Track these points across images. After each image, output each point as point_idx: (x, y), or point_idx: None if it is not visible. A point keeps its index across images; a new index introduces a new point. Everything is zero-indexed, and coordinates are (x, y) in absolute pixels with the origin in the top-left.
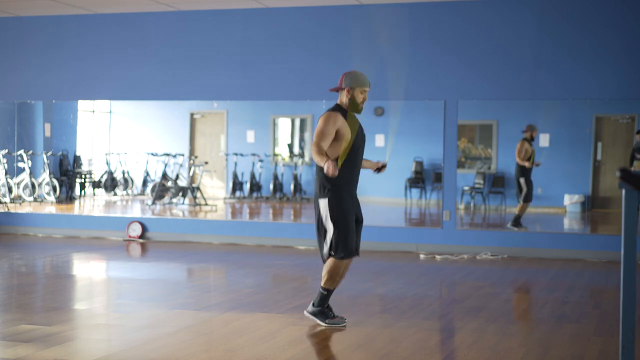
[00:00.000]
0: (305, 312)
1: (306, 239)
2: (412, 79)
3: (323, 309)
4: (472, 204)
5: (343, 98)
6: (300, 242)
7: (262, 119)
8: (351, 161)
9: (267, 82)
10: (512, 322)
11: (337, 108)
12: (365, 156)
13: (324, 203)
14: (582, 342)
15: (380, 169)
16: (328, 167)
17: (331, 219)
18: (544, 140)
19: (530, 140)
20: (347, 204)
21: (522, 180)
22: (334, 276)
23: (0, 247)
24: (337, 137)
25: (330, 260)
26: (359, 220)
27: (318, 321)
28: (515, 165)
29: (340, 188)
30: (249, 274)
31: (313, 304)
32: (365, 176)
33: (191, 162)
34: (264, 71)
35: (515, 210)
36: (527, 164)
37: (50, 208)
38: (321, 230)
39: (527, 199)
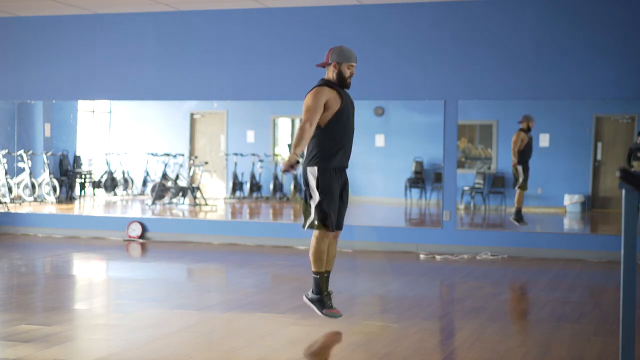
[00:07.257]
0: (304, 298)
1: (306, 239)
2: (412, 79)
3: (322, 297)
4: (472, 204)
5: (330, 73)
6: (300, 242)
7: (262, 119)
8: (340, 130)
9: (267, 82)
10: (512, 322)
11: (325, 82)
12: (364, 156)
13: (311, 171)
14: (582, 342)
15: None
16: (288, 161)
17: (317, 188)
18: (544, 140)
19: (527, 130)
20: (332, 178)
21: (519, 167)
22: (320, 256)
23: (0, 247)
24: (326, 108)
25: (312, 241)
26: (343, 198)
27: (315, 309)
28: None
29: (329, 159)
30: (249, 274)
31: (312, 291)
32: (366, 177)
33: (191, 162)
34: (264, 71)
35: (514, 202)
36: (514, 159)
37: (50, 208)
38: (308, 197)
39: (523, 186)
